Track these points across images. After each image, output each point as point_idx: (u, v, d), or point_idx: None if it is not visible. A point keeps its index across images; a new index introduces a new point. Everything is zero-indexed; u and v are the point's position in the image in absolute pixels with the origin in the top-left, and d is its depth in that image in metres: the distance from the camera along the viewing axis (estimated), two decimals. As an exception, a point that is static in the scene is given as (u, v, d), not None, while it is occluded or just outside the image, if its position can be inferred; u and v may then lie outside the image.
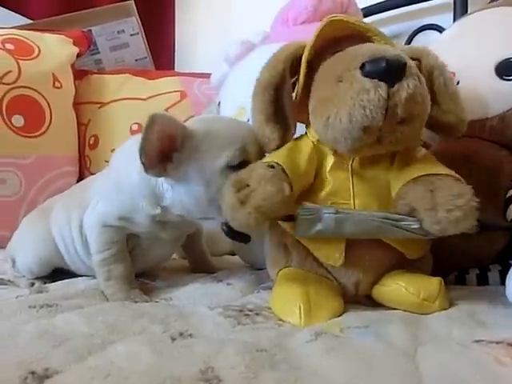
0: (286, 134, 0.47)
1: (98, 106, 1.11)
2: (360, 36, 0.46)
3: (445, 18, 0.85)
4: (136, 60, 1.35)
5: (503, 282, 0.52)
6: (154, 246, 0.57)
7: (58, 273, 0.62)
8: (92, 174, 1.11)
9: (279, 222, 0.48)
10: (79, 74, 1.11)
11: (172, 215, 0.51)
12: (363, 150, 0.42)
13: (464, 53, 0.57)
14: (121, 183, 0.52)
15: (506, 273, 0.53)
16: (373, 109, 0.37)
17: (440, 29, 0.86)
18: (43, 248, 0.59)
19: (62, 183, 0.99)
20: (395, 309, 0.43)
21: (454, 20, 0.84)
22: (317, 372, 0.28)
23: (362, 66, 0.39)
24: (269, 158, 0.45)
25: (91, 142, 1.10)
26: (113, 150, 1.07)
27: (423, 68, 0.46)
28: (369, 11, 0.95)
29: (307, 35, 0.86)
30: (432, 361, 0.29)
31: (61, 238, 0.58)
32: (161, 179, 0.48)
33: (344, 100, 0.39)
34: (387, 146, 0.41)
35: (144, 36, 1.35)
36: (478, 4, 0.82)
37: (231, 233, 0.44)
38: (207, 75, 1.25)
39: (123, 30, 1.31)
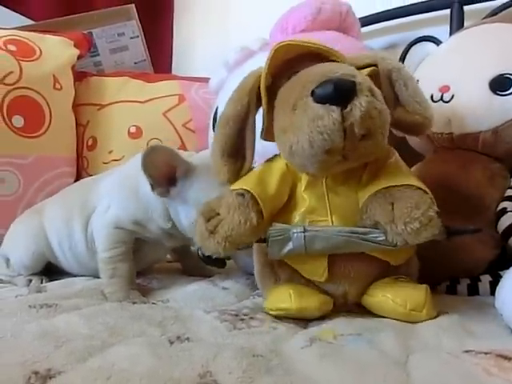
0: (240, 167, 0.47)
1: (97, 107, 1.11)
2: (314, 54, 0.45)
3: (441, 31, 0.87)
4: (135, 63, 1.36)
5: (493, 293, 0.54)
6: (154, 250, 0.60)
7: (53, 271, 0.63)
8: (89, 175, 1.13)
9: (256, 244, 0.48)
10: (79, 76, 1.11)
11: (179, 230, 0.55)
12: (332, 169, 0.43)
13: (459, 67, 0.58)
14: (139, 193, 0.55)
15: (496, 284, 0.54)
16: (330, 133, 0.38)
17: (436, 41, 0.88)
18: (35, 242, 0.60)
19: (59, 183, 0.99)
20: (385, 317, 0.44)
21: (451, 32, 0.85)
22: (311, 378, 0.29)
23: (313, 93, 0.39)
24: (239, 184, 0.45)
25: (89, 144, 1.10)
26: (110, 152, 1.12)
27: (381, 72, 0.46)
28: (366, 21, 0.96)
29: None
30: (422, 370, 0.30)
31: (55, 235, 0.60)
32: (168, 203, 0.53)
33: (301, 128, 0.39)
34: (354, 161, 0.42)
35: (143, 39, 1.36)
36: (473, 17, 0.84)
37: (206, 259, 0.46)
38: (206, 79, 1.26)
39: (123, 33, 1.32)
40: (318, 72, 0.41)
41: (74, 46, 1.09)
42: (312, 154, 0.39)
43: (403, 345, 0.35)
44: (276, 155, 0.50)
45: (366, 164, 0.45)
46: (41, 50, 0.99)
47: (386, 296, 0.43)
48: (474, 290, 0.54)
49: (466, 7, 0.85)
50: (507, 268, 0.54)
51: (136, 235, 0.56)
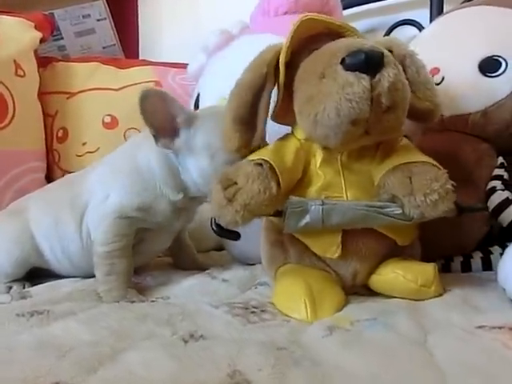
0: (250, 138, 0.47)
1: (66, 96, 1.04)
2: (333, 32, 0.46)
3: (421, 14, 0.88)
4: (104, 47, 1.28)
5: (485, 269, 0.56)
6: (156, 240, 0.57)
7: (33, 275, 0.59)
8: (61, 170, 1.06)
9: (272, 220, 0.48)
10: (42, 62, 1.03)
11: (190, 199, 0.54)
12: (353, 143, 0.43)
13: (447, 50, 0.59)
14: (140, 172, 0.52)
15: (488, 260, 0.57)
16: (359, 101, 0.38)
17: (417, 24, 0.89)
18: (18, 247, 0.56)
19: (29, 179, 0.92)
20: (393, 297, 0.44)
21: (431, 16, 0.86)
22: (339, 366, 0.28)
23: (343, 61, 0.40)
24: (256, 156, 0.45)
25: (59, 135, 1.03)
26: (84, 144, 1.05)
27: (395, 58, 0.46)
28: (347, 4, 0.95)
29: (289, 26, 0.86)
30: (444, 348, 0.31)
31: (44, 236, 0.56)
32: (175, 159, 0.52)
33: (329, 95, 0.39)
34: (375, 136, 0.43)
35: (112, 22, 1.28)
36: (453, 1, 0.85)
37: (220, 230, 0.45)
38: (182, 65, 1.21)
39: (89, 15, 1.23)
40: (346, 43, 0.41)
41: (35, 28, 1.00)
42: (338, 123, 0.39)
43: (418, 325, 0.36)
44: (287, 134, 0.50)
45: (378, 144, 0.46)
46: (-3, 33, 0.90)
47: (397, 272, 0.43)
48: (467, 267, 0.56)
49: (444, -10, 0.86)
50: (496, 244, 0.57)
51: (139, 225, 0.53)
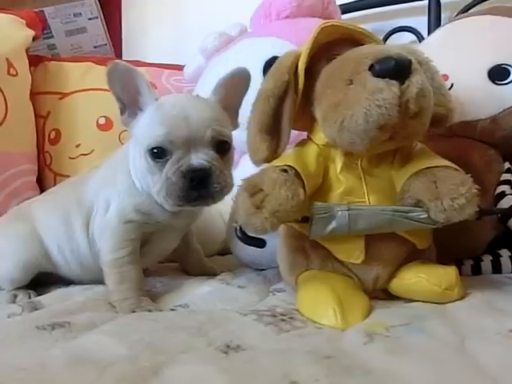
0: (276, 146, 0.47)
1: (59, 96, 1.00)
2: (351, 39, 0.47)
3: (419, 21, 0.90)
4: (95, 47, 1.25)
5: (494, 271, 0.57)
6: (162, 240, 0.55)
7: (35, 283, 0.56)
8: (53, 172, 1.02)
9: (293, 225, 0.47)
10: (33, 61, 0.99)
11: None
12: (377, 148, 0.43)
13: (455, 58, 0.60)
14: (129, 173, 0.51)
15: (497, 262, 0.58)
16: (388, 107, 0.39)
17: (414, 31, 0.91)
18: (26, 251, 0.53)
19: (20, 183, 0.88)
20: (413, 300, 0.45)
21: (429, 23, 0.88)
22: (391, 374, 0.28)
23: (371, 67, 0.40)
24: (279, 162, 0.45)
25: (52, 137, 0.99)
26: (78, 146, 1.01)
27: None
28: (345, 9, 0.96)
29: (291, 30, 0.86)
30: (486, 354, 0.31)
31: (53, 239, 0.54)
32: None
33: (358, 102, 0.39)
34: (399, 141, 0.43)
35: (103, 21, 1.24)
36: (450, 9, 0.87)
37: (245, 238, 0.44)
38: (176, 66, 1.20)
39: (80, 13, 1.20)
40: (374, 49, 0.41)
41: (27, 25, 0.97)
42: (365, 128, 0.39)
43: (452, 330, 0.36)
44: (304, 140, 0.50)
45: (395, 150, 0.46)
46: (-13, 30, 0.86)
47: (421, 276, 0.44)
48: (477, 270, 0.57)
49: (442, -1, 0.88)
50: (504, 247, 0.59)
51: (143, 229, 0.51)
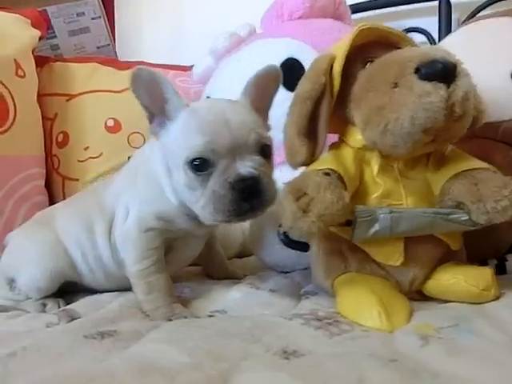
0: (313, 149, 0.47)
1: (66, 98, 0.98)
2: (384, 42, 0.47)
3: (429, 22, 0.90)
4: (98, 47, 1.23)
5: (518, 271, 0.58)
6: (185, 247, 0.54)
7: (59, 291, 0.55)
8: (61, 175, 1.00)
9: (331, 228, 0.47)
10: (39, 62, 0.97)
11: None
12: (418, 150, 0.44)
13: (478, 59, 0.60)
14: (150, 179, 0.49)
15: (521, 262, 0.59)
16: (436, 110, 0.39)
17: (424, 32, 0.91)
18: (53, 260, 0.52)
19: (29, 187, 0.86)
20: (448, 301, 0.45)
21: (439, 24, 0.89)
22: (458, 377, 0.28)
23: (417, 70, 0.40)
24: (319, 165, 0.44)
25: (59, 140, 0.97)
26: (86, 149, 1.00)
27: None
28: (355, 9, 0.97)
29: (305, 31, 0.85)
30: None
31: (77, 246, 0.53)
32: None
33: (405, 105, 0.40)
34: (440, 144, 0.44)
35: (106, 20, 1.22)
36: (460, 10, 0.88)
37: (290, 242, 0.43)
38: (180, 67, 1.18)
39: (83, 13, 1.17)
40: (416, 52, 0.41)
41: (32, 25, 0.94)
42: (410, 132, 0.39)
43: (498, 330, 0.36)
44: (336, 143, 0.50)
45: (429, 153, 0.46)
46: (-5, 30, 0.83)
47: (458, 277, 0.44)
48: (501, 269, 0.58)
49: (453, 0, 0.89)
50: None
51: (164, 235, 0.49)
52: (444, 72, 0.39)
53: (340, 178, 0.42)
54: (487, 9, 0.84)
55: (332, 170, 0.42)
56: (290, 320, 0.40)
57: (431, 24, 0.91)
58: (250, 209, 0.42)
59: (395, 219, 0.41)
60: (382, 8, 0.97)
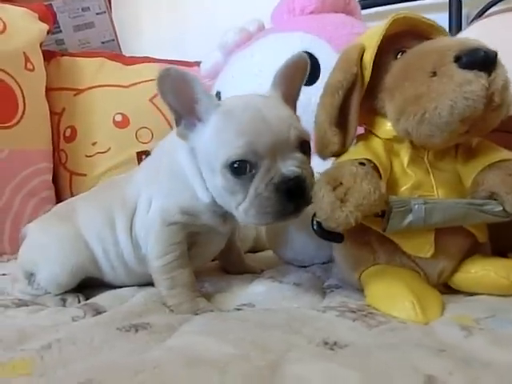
0: (344, 140, 0.46)
1: (74, 93, 0.97)
2: (415, 32, 0.47)
3: (440, 17, 0.90)
4: (102, 42, 1.21)
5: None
6: (209, 242, 0.53)
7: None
8: (68, 171, 0.99)
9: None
10: (46, 56, 0.96)
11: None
12: (453, 140, 0.43)
13: (499, 51, 0.61)
14: (177, 172, 0.47)
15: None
16: (476, 99, 0.38)
17: (435, 28, 0.91)
18: (74, 255, 0.50)
19: (37, 182, 0.85)
20: (475, 294, 0.45)
21: (450, 19, 0.89)
22: (509, 366, 0.28)
23: (458, 59, 0.40)
24: (353, 155, 0.44)
25: (67, 134, 0.96)
26: (94, 144, 0.98)
27: None
28: (365, 4, 0.97)
29: (318, 25, 0.85)
30: None
31: (98, 242, 0.51)
32: None
33: (444, 93, 0.39)
34: (474, 134, 0.43)
35: (111, 15, 1.21)
36: (469, 6, 0.89)
37: (324, 233, 0.43)
38: (186, 63, 1.17)
39: (88, 8, 1.16)
40: (454, 42, 0.41)
41: (39, 19, 0.93)
42: (448, 121, 0.39)
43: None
44: (363, 134, 0.49)
45: (457, 144, 0.46)
46: (4, 23, 0.82)
47: (488, 269, 0.44)
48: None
49: (463, -4, 0.89)
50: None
51: (187, 229, 0.48)
52: (485, 60, 0.39)
53: (375, 168, 0.42)
54: (498, 5, 0.84)
55: (367, 159, 0.42)
56: (323, 312, 0.39)
57: (441, 20, 0.90)
58: (295, 209, 0.41)
59: (429, 210, 0.41)
60: (392, 4, 0.97)
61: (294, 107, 0.49)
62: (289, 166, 0.40)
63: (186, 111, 0.43)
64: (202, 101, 0.43)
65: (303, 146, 0.42)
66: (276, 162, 0.40)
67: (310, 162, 0.44)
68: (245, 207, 0.41)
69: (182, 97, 0.42)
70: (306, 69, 0.47)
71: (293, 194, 0.40)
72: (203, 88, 0.43)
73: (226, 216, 0.47)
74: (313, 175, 0.42)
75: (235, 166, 0.40)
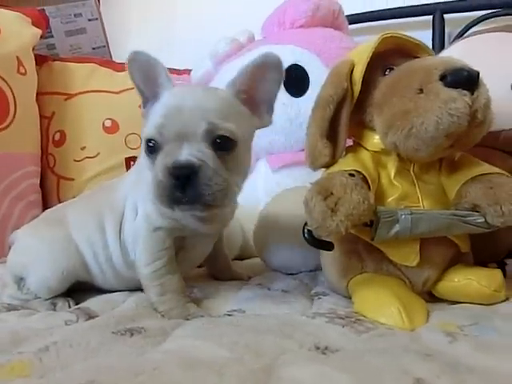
0: (334, 152, 0.48)
1: (64, 97, 0.97)
2: (402, 50, 0.49)
3: (423, 35, 0.94)
4: (93, 48, 1.22)
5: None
6: (196, 246, 0.53)
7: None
8: (56, 175, 0.98)
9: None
10: (38, 60, 0.95)
11: None
12: (438, 154, 0.46)
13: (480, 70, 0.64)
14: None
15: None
16: (460, 116, 0.41)
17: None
18: (64, 259, 0.50)
19: (25, 185, 0.84)
20: (458, 302, 0.46)
21: (433, 38, 0.93)
22: (494, 370, 0.29)
23: (443, 78, 0.42)
24: (342, 167, 0.46)
25: (56, 139, 0.95)
26: (83, 148, 0.98)
27: None
28: (352, 20, 1.00)
29: (308, 39, 0.88)
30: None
31: (89, 245, 0.51)
32: None
33: (430, 110, 0.41)
34: (458, 148, 0.46)
35: (103, 22, 1.22)
36: (452, 25, 0.93)
37: (315, 241, 0.44)
38: (177, 71, 1.19)
39: (81, 14, 1.17)
40: (439, 60, 0.44)
41: (33, 24, 0.93)
42: (434, 136, 0.41)
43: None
44: (352, 146, 0.51)
45: (441, 158, 0.48)
46: (-2, 27, 0.82)
47: (470, 279, 0.45)
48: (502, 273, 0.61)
49: (446, 15, 0.93)
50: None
51: (174, 234, 0.48)
52: (469, 80, 0.41)
53: (364, 179, 0.43)
54: (480, 25, 0.88)
55: (356, 171, 0.43)
56: (313, 318, 0.40)
57: (425, 37, 0.95)
58: (187, 200, 0.40)
59: (415, 220, 0.43)
60: (377, 20, 1.01)
61: (263, 109, 0.47)
62: (187, 155, 0.40)
63: (151, 94, 0.46)
64: (164, 85, 0.45)
65: (221, 144, 0.41)
66: (180, 149, 0.40)
67: (230, 161, 0.42)
68: (151, 188, 0.42)
69: (147, 80, 0.45)
70: (279, 70, 0.45)
71: (183, 183, 0.39)
72: (168, 75, 0.45)
73: (205, 218, 0.48)
74: (219, 171, 0.41)
75: (149, 144, 0.42)
